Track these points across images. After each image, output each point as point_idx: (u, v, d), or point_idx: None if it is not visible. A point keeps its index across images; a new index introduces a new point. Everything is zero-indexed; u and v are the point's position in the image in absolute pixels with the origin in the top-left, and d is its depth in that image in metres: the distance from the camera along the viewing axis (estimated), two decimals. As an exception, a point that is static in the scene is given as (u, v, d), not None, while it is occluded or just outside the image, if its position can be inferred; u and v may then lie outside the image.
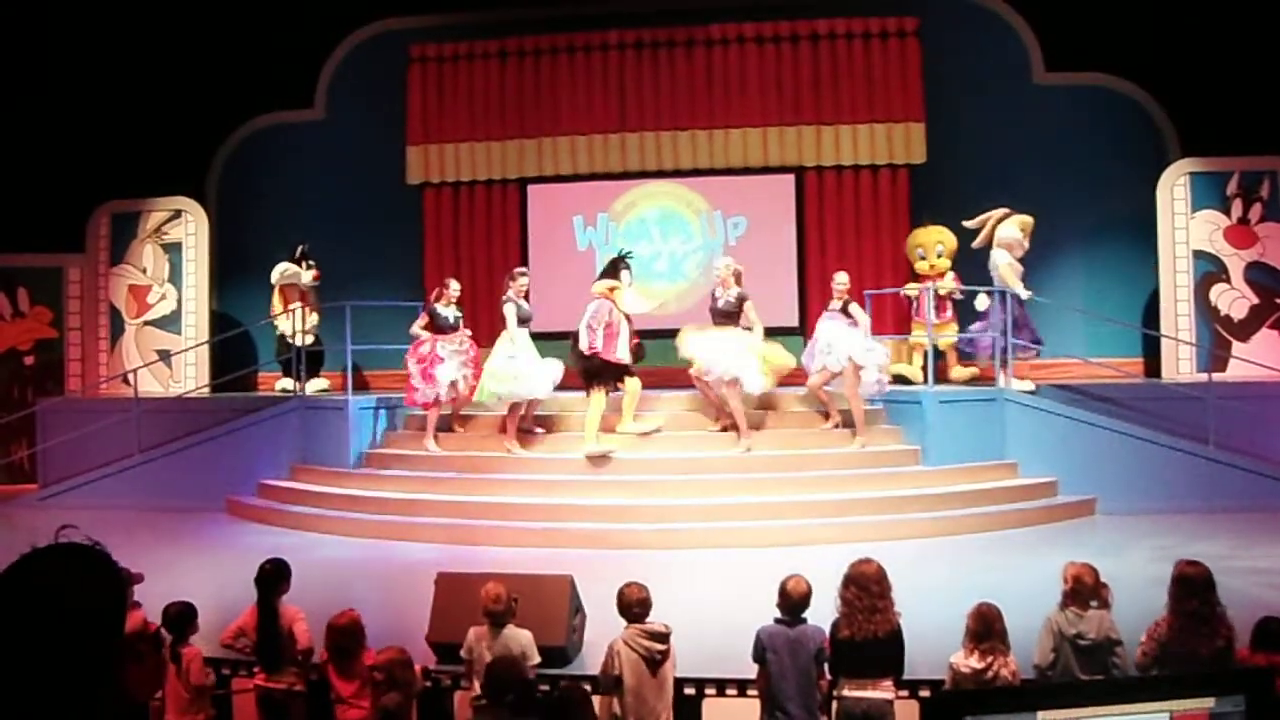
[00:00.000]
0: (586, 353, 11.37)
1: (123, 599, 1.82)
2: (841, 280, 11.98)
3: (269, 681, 6.04)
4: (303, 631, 6.08)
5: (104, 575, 1.78)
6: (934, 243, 13.70)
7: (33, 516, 12.36)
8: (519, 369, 11.65)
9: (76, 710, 1.68)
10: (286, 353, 14.35)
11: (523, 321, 11.95)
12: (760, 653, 5.58)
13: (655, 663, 5.66)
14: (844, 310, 11.71)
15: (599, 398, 11.44)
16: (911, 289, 13.49)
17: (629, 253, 12.29)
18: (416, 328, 12.30)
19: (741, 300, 11.58)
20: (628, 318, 11.61)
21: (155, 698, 5.97)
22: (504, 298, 11.99)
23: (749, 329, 11.60)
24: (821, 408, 12.05)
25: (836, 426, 11.85)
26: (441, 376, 11.95)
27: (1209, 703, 1.79)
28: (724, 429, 11.76)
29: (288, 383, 14.28)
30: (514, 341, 11.76)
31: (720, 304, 11.70)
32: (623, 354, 11.43)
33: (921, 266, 13.71)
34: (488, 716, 5.39)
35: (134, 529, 10.80)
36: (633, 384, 11.58)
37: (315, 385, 14.21)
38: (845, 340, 11.49)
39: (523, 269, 12.60)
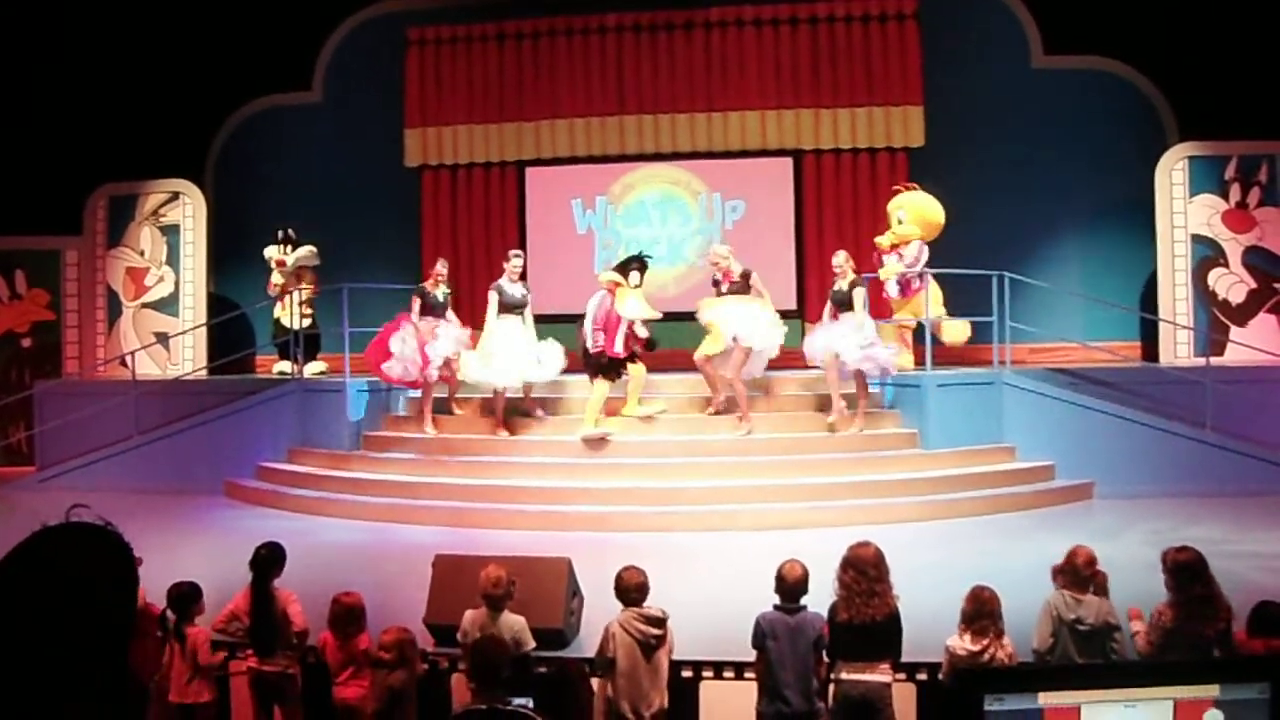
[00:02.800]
0: (592, 352, 11.37)
1: (135, 581, 1.81)
2: (840, 260, 11.70)
3: (262, 664, 6.06)
4: (298, 613, 6.10)
5: (118, 556, 1.78)
6: (895, 209, 13.00)
7: (31, 499, 12.36)
8: (489, 356, 11.57)
9: (87, 689, 1.67)
10: (283, 335, 14.31)
11: (512, 307, 11.78)
12: (760, 639, 5.58)
13: (650, 647, 5.67)
14: (850, 290, 11.48)
15: (602, 385, 11.43)
16: (886, 272, 12.85)
17: (649, 256, 12.15)
18: (415, 316, 12.08)
19: (747, 275, 11.52)
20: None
21: (156, 677, 5.99)
22: (494, 284, 11.96)
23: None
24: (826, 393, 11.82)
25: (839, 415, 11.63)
26: (434, 354, 11.78)
27: (1214, 690, 1.78)
28: (717, 412, 11.71)
29: (286, 365, 14.27)
30: (489, 327, 11.69)
31: (725, 289, 11.58)
32: (619, 347, 11.31)
33: (886, 239, 13.02)
34: (484, 698, 5.40)
35: (132, 511, 10.72)
36: (637, 369, 11.54)
37: (313, 368, 14.19)
38: (835, 342, 11.36)
39: (516, 251, 12.39)
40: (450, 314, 12.32)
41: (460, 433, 12.14)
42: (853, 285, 11.49)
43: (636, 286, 11.48)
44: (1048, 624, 5.54)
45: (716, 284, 11.73)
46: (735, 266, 11.58)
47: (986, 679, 1.84)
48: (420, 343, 11.78)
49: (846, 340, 11.28)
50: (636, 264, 11.64)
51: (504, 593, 5.89)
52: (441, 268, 12.31)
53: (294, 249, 14.57)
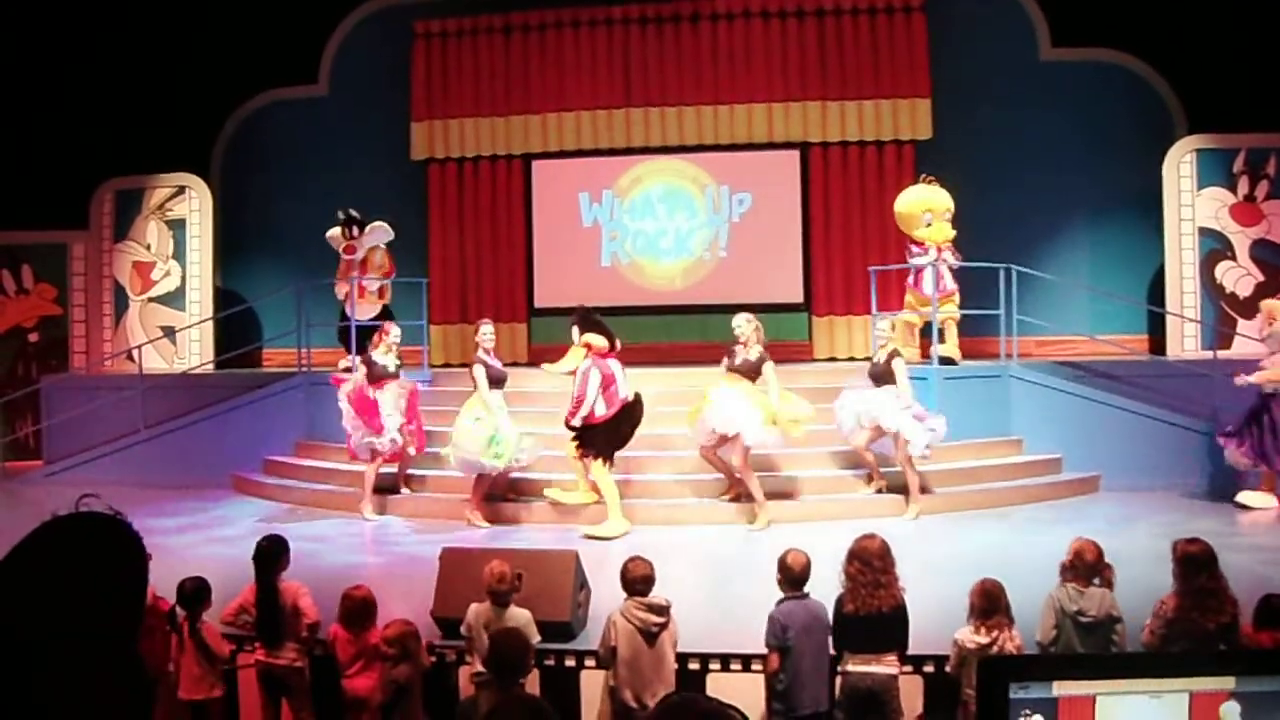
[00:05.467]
0: (595, 421, 9.94)
1: (145, 570, 1.80)
2: (884, 327, 10.90)
3: (269, 657, 6.08)
4: (309, 606, 6.12)
5: (127, 546, 1.77)
6: (922, 211, 12.62)
7: (38, 493, 12.40)
8: (488, 433, 10.24)
9: (98, 679, 1.66)
10: (345, 321, 13.35)
11: (496, 382, 10.48)
12: (781, 634, 5.55)
13: (651, 635, 5.68)
14: (889, 362, 10.42)
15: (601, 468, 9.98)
16: (916, 262, 12.64)
17: (581, 312, 10.65)
18: (354, 380, 11.05)
19: (762, 361, 10.15)
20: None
21: (165, 672, 6.01)
22: (475, 357, 10.57)
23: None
24: (865, 470, 10.83)
25: (880, 491, 10.65)
26: (388, 425, 10.75)
27: (1230, 682, 1.77)
28: (735, 498, 10.50)
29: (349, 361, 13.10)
30: (486, 405, 10.30)
31: (738, 361, 10.23)
32: (594, 411, 9.95)
33: (924, 234, 12.59)
34: (489, 691, 5.42)
35: (139, 505, 10.80)
36: (600, 473, 9.97)
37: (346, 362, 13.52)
38: (876, 408, 10.25)
39: (485, 320, 11.10)
40: (402, 382, 11.21)
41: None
42: (891, 356, 10.45)
43: (575, 345, 10.28)
44: (1050, 616, 5.56)
45: (731, 354, 10.37)
46: (754, 344, 10.21)
47: (1013, 667, 1.85)
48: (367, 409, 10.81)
49: (885, 406, 10.21)
50: (575, 318, 10.47)
51: (509, 587, 5.91)
52: (394, 334, 11.30)
53: (360, 229, 13.65)
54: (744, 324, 10.32)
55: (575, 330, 10.31)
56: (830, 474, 11.04)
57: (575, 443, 9.98)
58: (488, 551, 6.88)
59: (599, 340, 10.14)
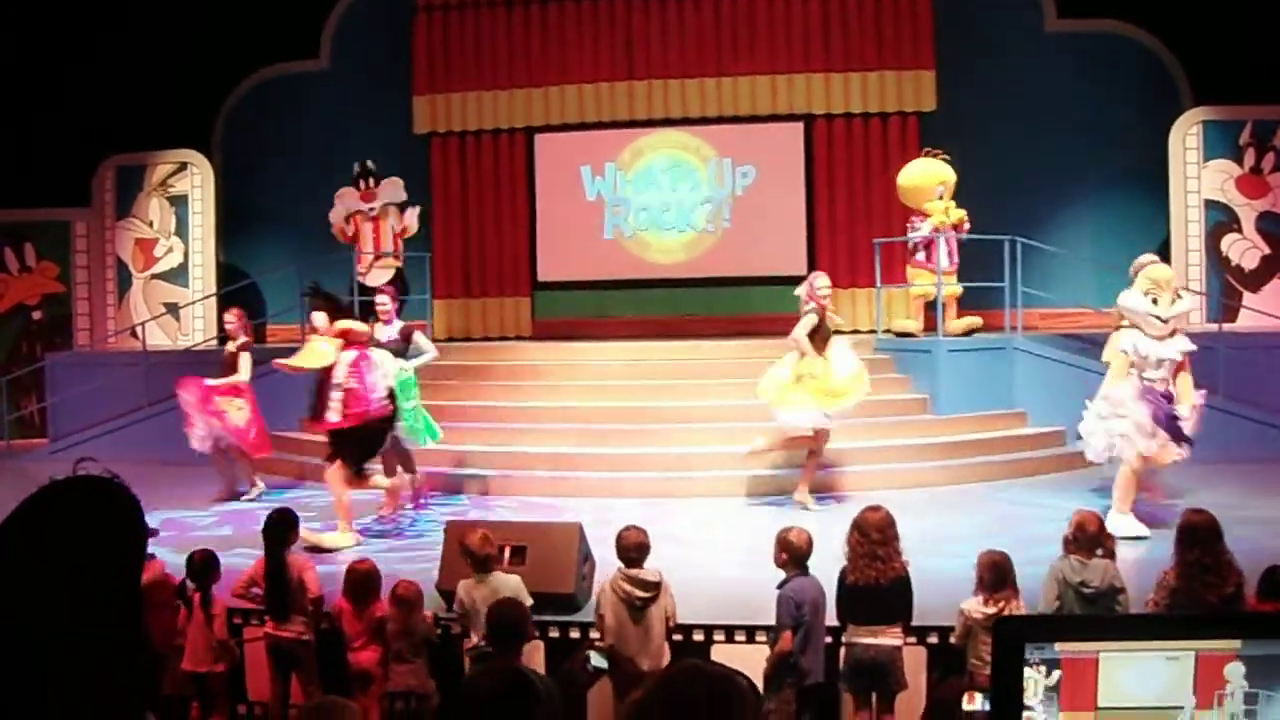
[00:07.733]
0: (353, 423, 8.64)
1: (144, 533, 1.79)
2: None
3: (278, 630, 6.11)
4: (313, 580, 6.15)
5: (124, 507, 1.75)
6: (936, 184, 12.62)
7: (44, 470, 12.38)
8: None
9: (98, 651, 1.65)
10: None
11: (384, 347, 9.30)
12: (796, 613, 5.55)
13: (636, 608, 5.70)
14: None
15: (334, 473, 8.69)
16: (919, 234, 12.61)
17: (311, 289, 9.39)
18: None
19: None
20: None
21: (174, 646, 6.04)
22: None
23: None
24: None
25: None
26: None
27: (1236, 645, 1.78)
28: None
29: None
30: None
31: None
32: (334, 416, 8.67)
33: (935, 207, 12.52)
34: (487, 664, 5.43)
35: (144, 481, 10.77)
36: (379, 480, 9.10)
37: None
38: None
39: (383, 290, 10.20)
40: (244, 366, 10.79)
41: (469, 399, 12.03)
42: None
43: (314, 332, 9.16)
44: (1053, 587, 5.57)
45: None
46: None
47: (1029, 628, 1.86)
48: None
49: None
50: (317, 301, 9.17)
51: (488, 553, 5.89)
52: (231, 318, 11.10)
53: (376, 181, 13.66)
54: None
55: (321, 316, 8.92)
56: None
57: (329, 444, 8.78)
58: (492, 523, 6.90)
59: (360, 326, 8.93)
